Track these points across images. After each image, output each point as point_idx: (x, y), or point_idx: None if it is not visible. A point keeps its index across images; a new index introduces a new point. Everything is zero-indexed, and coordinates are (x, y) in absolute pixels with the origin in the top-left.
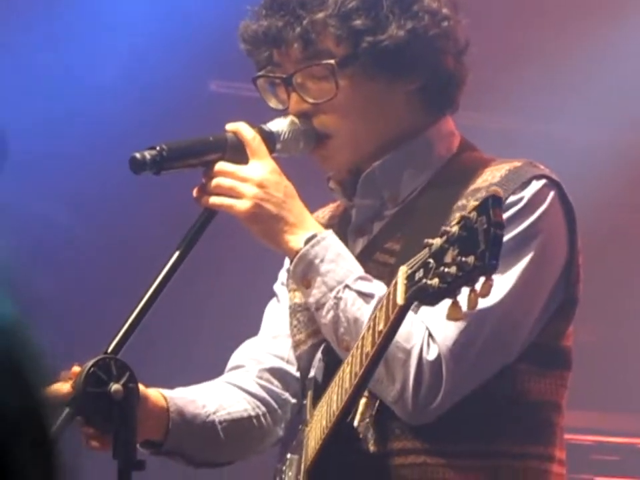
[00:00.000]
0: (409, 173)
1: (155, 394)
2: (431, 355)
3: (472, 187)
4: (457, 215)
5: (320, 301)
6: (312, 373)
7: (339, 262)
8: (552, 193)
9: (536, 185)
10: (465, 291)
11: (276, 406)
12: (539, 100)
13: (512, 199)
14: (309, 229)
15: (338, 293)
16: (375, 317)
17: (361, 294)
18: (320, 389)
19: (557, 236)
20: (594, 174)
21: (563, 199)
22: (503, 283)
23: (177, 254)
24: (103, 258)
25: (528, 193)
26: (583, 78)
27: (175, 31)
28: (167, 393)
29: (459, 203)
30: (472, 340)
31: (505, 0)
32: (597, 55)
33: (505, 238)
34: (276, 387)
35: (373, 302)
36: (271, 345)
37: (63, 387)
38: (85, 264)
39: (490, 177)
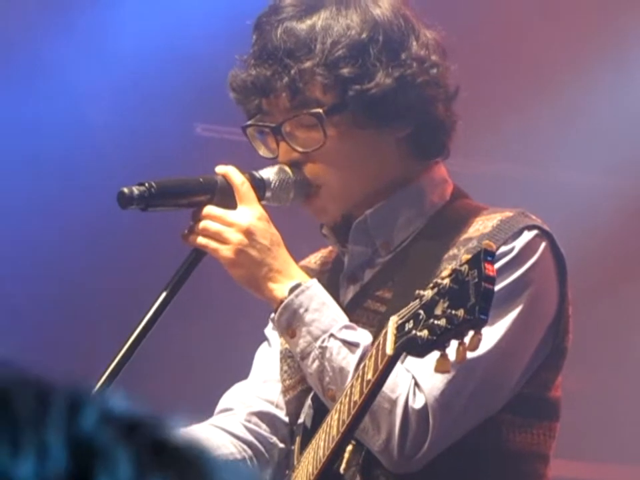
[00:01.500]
0: (401, 221)
1: None
2: (417, 404)
3: (464, 236)
4: (449, 268)
5: (305, 350)
6: (301, 419)
7: (323, 311)
8: (543, 244)
9: (527, 236)
10: (453, 343)
11: (263, 450)
12: (532, 145)
13: (503, 249)
14: (294, 278)
15: (323, 342)
16: (364, 366)
17: (346, 343)
18: (308, 435)
19: (547, 287)
20: (586, 219)
21: (555, 249)
22: (492, 333)
23: (164, 294)
24: (89, 298)
25: (519, 243)
26: (575, 122)
27: (163, 73)
28: None
29: (451, 252)
30: (459, 390)
31: (494, 46)
32: (588, 98)
33: (496, 288)
34: (264, 430)
35: (359, 351)
36: (260, 389)
37: None
38: (69, 304)
39: (482, 227)
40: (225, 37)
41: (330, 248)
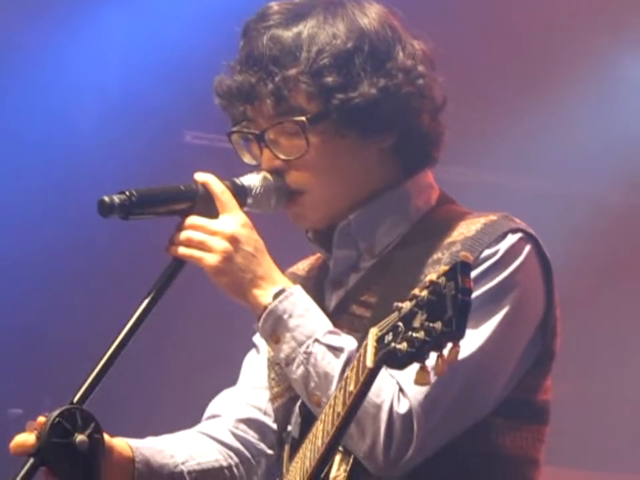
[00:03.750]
0: (385, 226)
1: (120, 444)
2: (401, 409)
3: (448, 240)
4: (427, 279)
5: (290, 356)
6: (289, 427)
7: (307, 317)
8: (528, 247)
9: (511, 239)
10: (433, 355)
11: (250, 456)
12: (521, 153)
13: (487, 252)
14: (277, 284)
15: (308, 347)
16: (347, 377)
17: (330, 348)
18: (296, 443)
19: (533, 289)
20: (573, 227)
21: (539, 252)
22: (477, 336)
23: (145, 303)
24: (72, 305)
25: (503, 246)
26: (564, 132)
27: (153, 81)
28: (133, 442)
29: (435, 256)
30: (443, 393)
31: (489, 54)
32: (577, 109)
33: (480, 291)
34: (252, 437)
35: (343, 356)
36: (248, 396)
37: (28, 438)
38: (51, 311)
39: (466, 231)
40: (215, 45)
41: (317, 255)
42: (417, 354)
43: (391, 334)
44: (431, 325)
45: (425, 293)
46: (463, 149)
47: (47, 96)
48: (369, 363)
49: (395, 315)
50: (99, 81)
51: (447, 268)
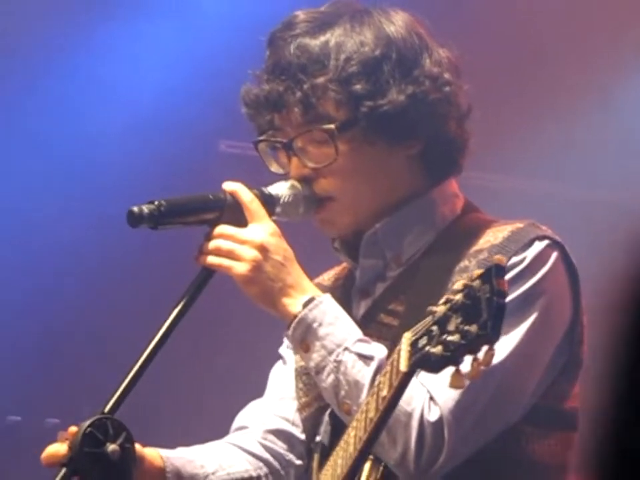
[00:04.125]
0: (411, 234)
1: (152, 454)
2: (432, 417)
3: (474, 248)
4: (461, 282)
5: (320, 364)
6: (319, 436)
7: (337, 325)
8: (555, 254)
9: (538, 246)
10: (467, 359)
11: (279, 467)
12: (545, 160)
13: (514, 259)
14: (307, 292)
15: (337, 355)
16: (379, 382)
17: (360, 356)
18: (326, 452)
19: (560, 296)
20: (595, 232)
21: (566, 259)
22: (506, 343)
23: (174, 312)
24: (108, 314)
25: (530, 253)
26: (587, 138)
27: (186, 89)
28: (164, 452)
29: (461, 264)
30: (474, 401)
31: (518, 61)
32: (599, 113)
33: (508, 298)
34: (280, 448)
35: (374, 364)
36: (276, 407)
37: (60, 448)
38: (79, 320)
39: (492, 238)
40: (249, 54)
41: (343, 265)
42: (452, 357)
43: (425, 338)
44: (466, 328)
45: (459, 296)
46: (492, 155)
47: (81, 106)
48: (403, 367)
49: (428, 319)
50: (132, 90)
51: (481, 271)
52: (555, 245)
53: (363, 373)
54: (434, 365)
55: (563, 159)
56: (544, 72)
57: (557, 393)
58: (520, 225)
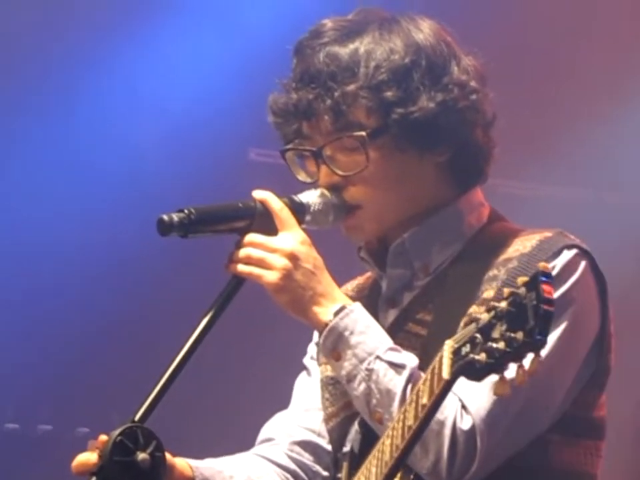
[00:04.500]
0: (439, 244)
1: (181, 463)
2: (465, 425)
3: (503, 257)
4: (506, 291)
5: (351, 373)
6: (347, 446)
7: (368, 334)
8: (583, 263)
9: (567, 255)
10: (512, 366)
11: (306, 478)
12: (571, 167)
13: None
14: (338, 301)
15: (369, 364)
16: (418, 390)
17: (392, 365)
18: (356, 461)
19: (589, 305)
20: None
21: (594, 268)
22: None
23: (204, 321)
24: (139, 323)
25: (560, 262)
26: (614, 144)
27: (217, 98)
28: (194, 463)
29: (490, 273)
30: (505, 410)
31: (537, 65)
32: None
33: None
34: (307, 459)
35: (405, 372)
36: (302, 418)
37: (90, 456)
38: (110, 329)
39: (521, 247)
40: (280, 62)
41: (366, 275)
42: (497, 365)
43: (468, 345)
44: (511, 335)
45: (504, 303)
46: (522, 163)
47: (113, 116)
48: (446, 374)
49: (472, 327)
50: (163, 99)
51: (526, 279)
52: (583, 253)
53: (394, 382)
54: (478, 373)
55: (593, 165)
56: (581, 79)
57: (585, 401)
58: (548, 234)
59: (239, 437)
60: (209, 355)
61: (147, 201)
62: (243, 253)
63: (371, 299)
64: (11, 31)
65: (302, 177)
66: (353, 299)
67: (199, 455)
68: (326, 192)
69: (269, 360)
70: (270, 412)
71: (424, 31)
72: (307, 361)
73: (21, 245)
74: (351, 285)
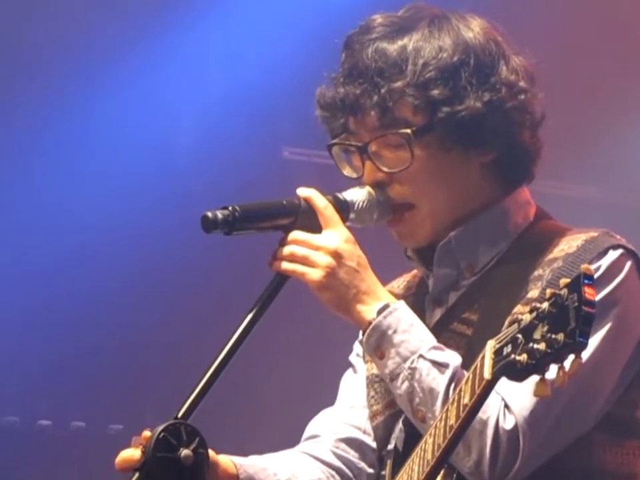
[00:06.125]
0: (485, 243)
1: (225, 460)
2: (507, 425)
3: (549, 257)
4: (548, 292)
5: (394, 371)
6: (391, 443)
7: (412, 332)
8: (629, 263)
9: (613, 255)
10: (553, 368)
11: (351, 475)
12: (616, 169)
13: None
14: (381, 299)
15: (412, 363)
16: (460, 390)
17: (435, 364)
18: (400, 458)
19: (634, 305)
20: None
21: None
22: None
23: (248, 318)
24: (175, 321)
25: (605, 262)
26: None
27: (250, 96)
28: (237, 460)
29: (536, 273)
30: (548, 409)
31: (584, 71)
32: None
33: None
34: (352, 456)
35: (448, 372)
36: (347, 415)
37: (134, 452)
38: (144, 328)
39: (566, 247)
40: (312, 60)
41: (413, 272)
42: (538, 365)
43: (510, 346)
44: (553, 336)
45: (546, 304)
46: (565, 163)
47: (146, 113)
48: (487, 374)
49: (514, 327)
50: (197, 97)
51: (568, 280)
52: (629, 254)
53: (437, 381)
54: (519, 373)
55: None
56: (613, 79)
57: (629, 401)
58: (594, 234)
59: (284, 434)
60: (251, 353)
61: (180, 200)
62: (286, 250)
63: (418, 297)
64: (28, 31)
65: (347, 171)
66: (400, 296)
67: (244, 452)
68: (370, 190)
69: (314, 357)
70: (316, 409)
71: (474, 29)
72: (352, 358)
73: (34, 240)
74: (397, 283)
